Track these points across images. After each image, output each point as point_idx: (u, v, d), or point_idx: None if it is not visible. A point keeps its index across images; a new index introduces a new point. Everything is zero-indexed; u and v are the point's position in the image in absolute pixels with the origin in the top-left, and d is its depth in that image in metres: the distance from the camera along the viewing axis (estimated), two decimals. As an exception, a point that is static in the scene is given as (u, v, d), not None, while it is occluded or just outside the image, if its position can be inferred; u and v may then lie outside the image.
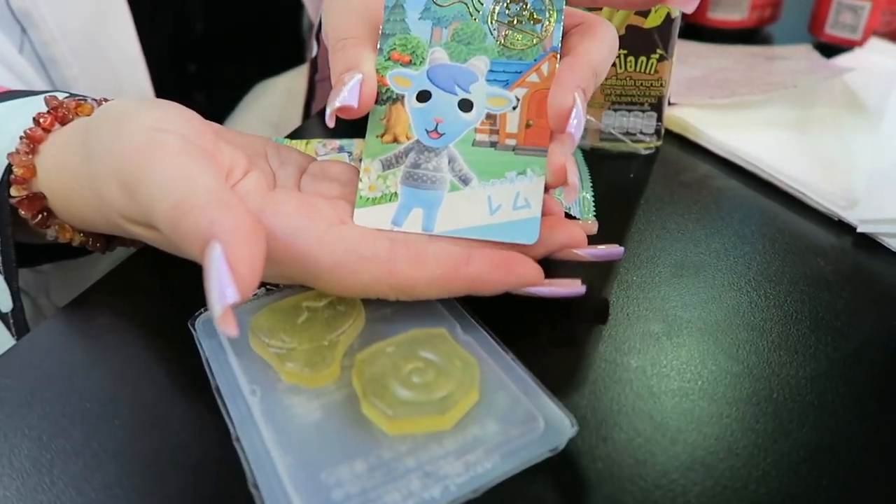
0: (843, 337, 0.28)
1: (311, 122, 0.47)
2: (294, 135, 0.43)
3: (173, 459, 0.23)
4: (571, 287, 0.27)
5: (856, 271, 0.32)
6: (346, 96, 0.27)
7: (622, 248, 0.29)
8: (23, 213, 0.30)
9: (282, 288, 0.29)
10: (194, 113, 0.28)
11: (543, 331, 0.28)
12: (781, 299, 0.30)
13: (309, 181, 0.29)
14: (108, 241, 0.33)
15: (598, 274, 0.31)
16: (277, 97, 0.59)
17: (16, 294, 0.31)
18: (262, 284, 0.29)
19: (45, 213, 0.31)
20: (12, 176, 0.29)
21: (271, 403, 0.24)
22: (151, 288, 0.31)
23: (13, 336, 0.32)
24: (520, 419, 0.23)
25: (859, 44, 0.53)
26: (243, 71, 0.61)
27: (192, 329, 0.28)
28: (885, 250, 0.33)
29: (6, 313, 0.32)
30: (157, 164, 0.24)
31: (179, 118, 0.26)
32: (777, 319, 0.29)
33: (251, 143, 0.30)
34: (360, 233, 0.26)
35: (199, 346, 0.27)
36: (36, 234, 0.32)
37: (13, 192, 0.30)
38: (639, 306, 0.30)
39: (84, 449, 0.23)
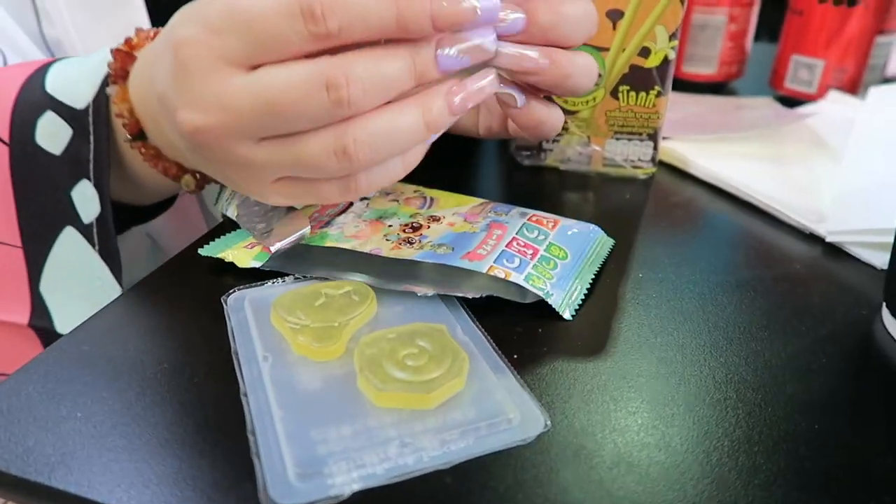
0: (820, 322, 0.29)
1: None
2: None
3: (199, 410, 0.24)
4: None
5: (827, 273, 0.33)
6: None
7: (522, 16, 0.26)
8: (126, 132, 0.32)
9: (309, 279, 0.30)
10: None
11: (538, 337, 0.29)
12: (766, 293, 0.31)
13: None
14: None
15: (605, 275, 0.32)
16: None
17: (105, 200, 0.32)
18: (291, 274, 0.31)
19: (145, 143, 0.32)
20: (111, 77, 0.31)
21: (279, 370, 0.25)
22: (200, 282, 0.31)
23: (95, 247, 0.33)
24: (498, 410, 0.23)
25: (815, 97, 0.56)
26: None
27: (223, 304, 0.29)
28: (850, 256, 0.34)
29: (89, 224, 0.33)
30: None
31: None
32: (764, 309, 0.30)
33: None
34: None
35: (227, 319, 0.28)
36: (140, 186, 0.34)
37: (115, 109, 0.31)
38: (641, 295, 0.31)
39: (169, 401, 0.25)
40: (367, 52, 0.24)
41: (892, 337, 0.28)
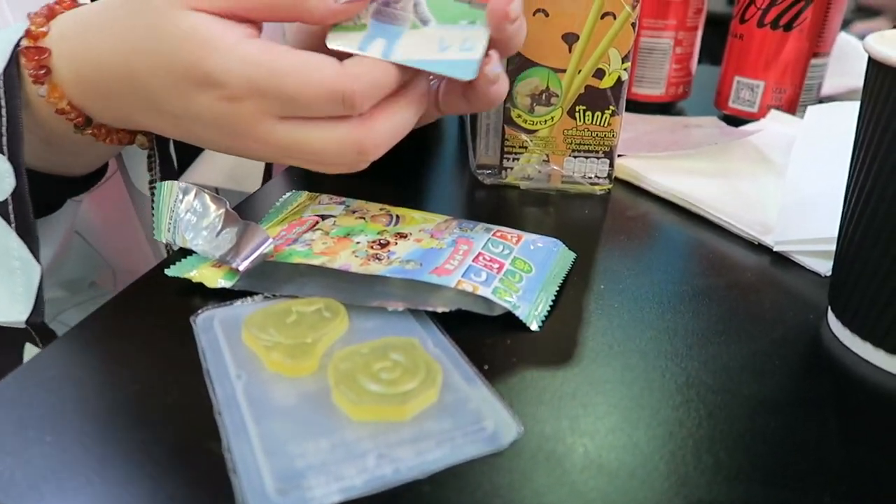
0: (771, 326, 0.31)
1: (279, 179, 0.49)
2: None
3: (173, 430, 0.24)
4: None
5: (775, 280, 0.35)
6: None
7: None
8: (71, 125, 0.32)
9: (279, 297, 0.30)
10: None
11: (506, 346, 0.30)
12: (720, 300, 0.33)
13: None
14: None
15: (568, 287, 0.33)
16: None
17: (20, 172, 0.31)
18: (260, 293, 0.31)
19: (95, 126, 0.33)
20: (32, 78, 0.31)
21: (254, 387, 0.25)
22: (167, 304, 0.31)
23: (11, 225, 0.32)
24: (472, 420, 0.24)
25: (756, 116, 0.59)
26: None
27: (192, 324, 0.29)
28: (796, 265, 0.36)
29: (4, 200, 0.31)
30: None
31: None
32: (719, 315, 0.31)
33: None
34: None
35: (196, 338, 0.28)
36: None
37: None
38: (603, 305, 0.32)
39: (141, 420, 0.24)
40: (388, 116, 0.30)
41: (837, 338, 0.30)
